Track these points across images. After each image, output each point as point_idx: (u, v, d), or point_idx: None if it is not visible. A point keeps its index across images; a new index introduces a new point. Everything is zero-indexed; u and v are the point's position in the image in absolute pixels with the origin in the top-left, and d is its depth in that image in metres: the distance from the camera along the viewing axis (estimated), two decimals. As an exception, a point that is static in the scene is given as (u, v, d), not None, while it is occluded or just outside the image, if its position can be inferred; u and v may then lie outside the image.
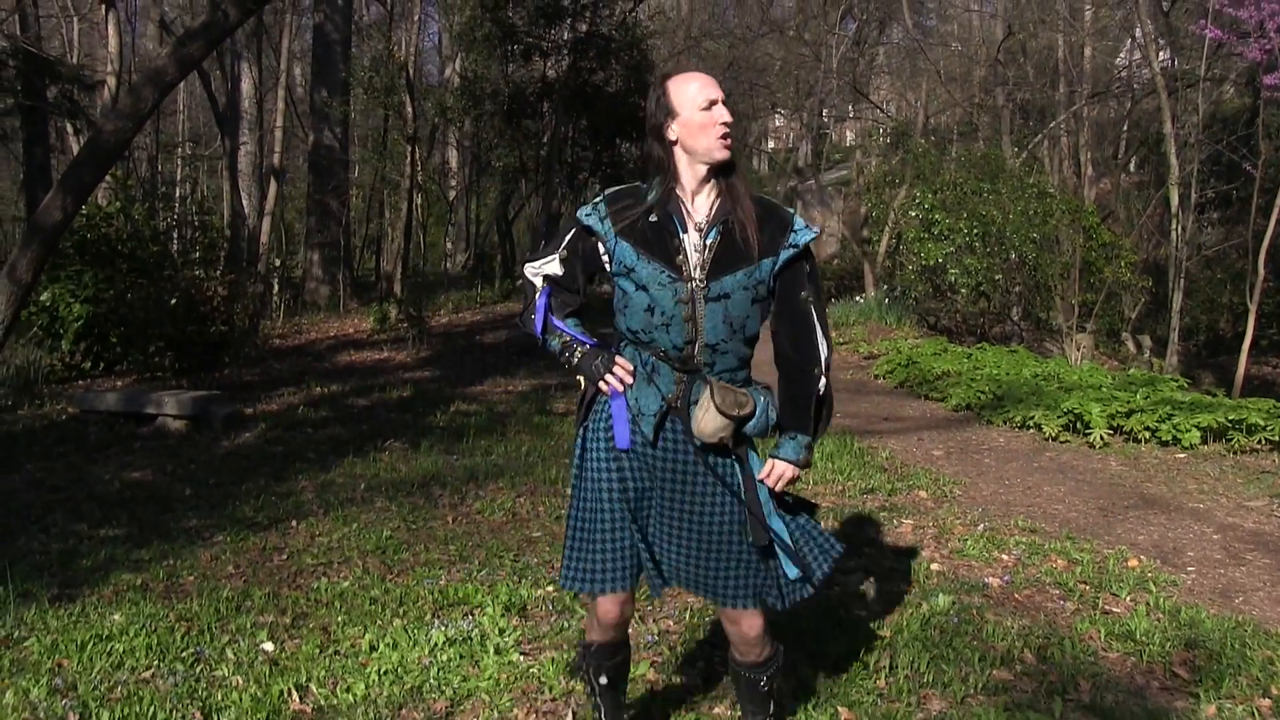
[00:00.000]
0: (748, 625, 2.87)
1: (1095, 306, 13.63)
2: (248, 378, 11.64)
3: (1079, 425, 8.22)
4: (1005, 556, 5.20)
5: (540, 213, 16.83)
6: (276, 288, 17.87)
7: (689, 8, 29.16)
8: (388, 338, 14.47)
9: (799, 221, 2.86)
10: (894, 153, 22.34)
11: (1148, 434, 7.93)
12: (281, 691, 3.64)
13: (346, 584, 4.87)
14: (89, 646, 4.04)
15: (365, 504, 6.42)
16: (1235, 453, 7.57)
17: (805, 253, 2.84)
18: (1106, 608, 4.47)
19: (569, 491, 2.96)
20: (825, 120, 31.46)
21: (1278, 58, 10.77)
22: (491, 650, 3.96)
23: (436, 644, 4.02)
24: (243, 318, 12.38)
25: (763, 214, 2.81)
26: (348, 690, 3.66)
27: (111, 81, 15.57)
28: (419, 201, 20.35)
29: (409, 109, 17.78)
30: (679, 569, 2.84)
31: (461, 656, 3.93)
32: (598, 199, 2.91)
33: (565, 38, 16.51)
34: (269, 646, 4.08)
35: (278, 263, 19.14)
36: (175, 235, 13.65)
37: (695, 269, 2.76)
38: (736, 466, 2.81)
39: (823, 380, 2.85)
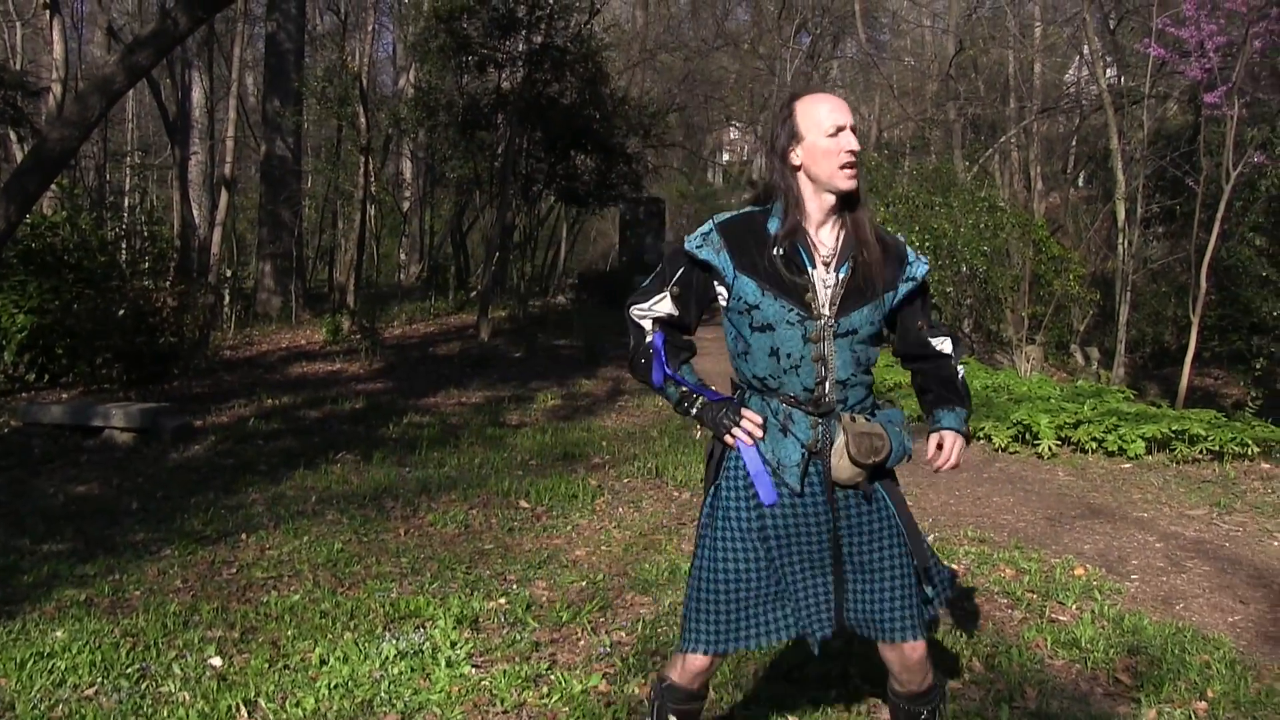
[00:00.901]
0: (910, 649, 2.73)
1: (1044, 319, 13.81)
2: (198, 389, 11.51)
3: (1028, 436, 8.33)
4: (955, 566, 5.25)
5: (494, 224, 16.78)
6: (227, 299, 17.67)
7: (644, 20, 29.29)
8: (340, 349, 14.36)
9: (911, 252, 2.79)
10: (847, 166, 22.50)
11: (1094, 444, 8.05)
12: (230, 707, 3.60)
13: (297, 597, 4.83)
14: (29, 664, 3.97)
15: (316, 516, 6.37)
16: (1178, 463, 7.70)
17: (922, 283, 2.80)
18: (1053, 616, 4.53)
19: (695, 547, 2.81)
20: (779, 133, 31.66)
21: (1217, 77, 11.00)
22: (443, 663, 3.94)
23: (388, 657, 4.00)
24: (193, 329, 12.24)
25: (883, 247, 2.72)
26: (297, 705, 3.63)
27: (57, 89, 15.34)
28: (372, 212, 20.23)
29: (363, 119, 17.69)
30: (846, 609, 2.74)
31: (413, 669, 3.91)
32: (706, 229, 2.74)
33: (520, 49, 16.48)
34: (217, 661, 4.04)
35: (229, 273, 18.93)
36: (124, 245, 13.44)
37: (825, 305, 2.64)
38: (884, 497, 2.74)
39: (955, 362, 2.86)
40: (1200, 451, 7.74)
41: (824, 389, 2.65)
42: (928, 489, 7.06)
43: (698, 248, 2.70)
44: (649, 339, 2.77)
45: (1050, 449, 8.04)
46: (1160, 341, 16.23)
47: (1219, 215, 11.11)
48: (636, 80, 26.27)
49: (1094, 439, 8.06)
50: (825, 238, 2.69)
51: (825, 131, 2.62)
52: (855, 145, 2.62)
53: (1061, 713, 3.57)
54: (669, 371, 2.76)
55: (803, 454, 2.65)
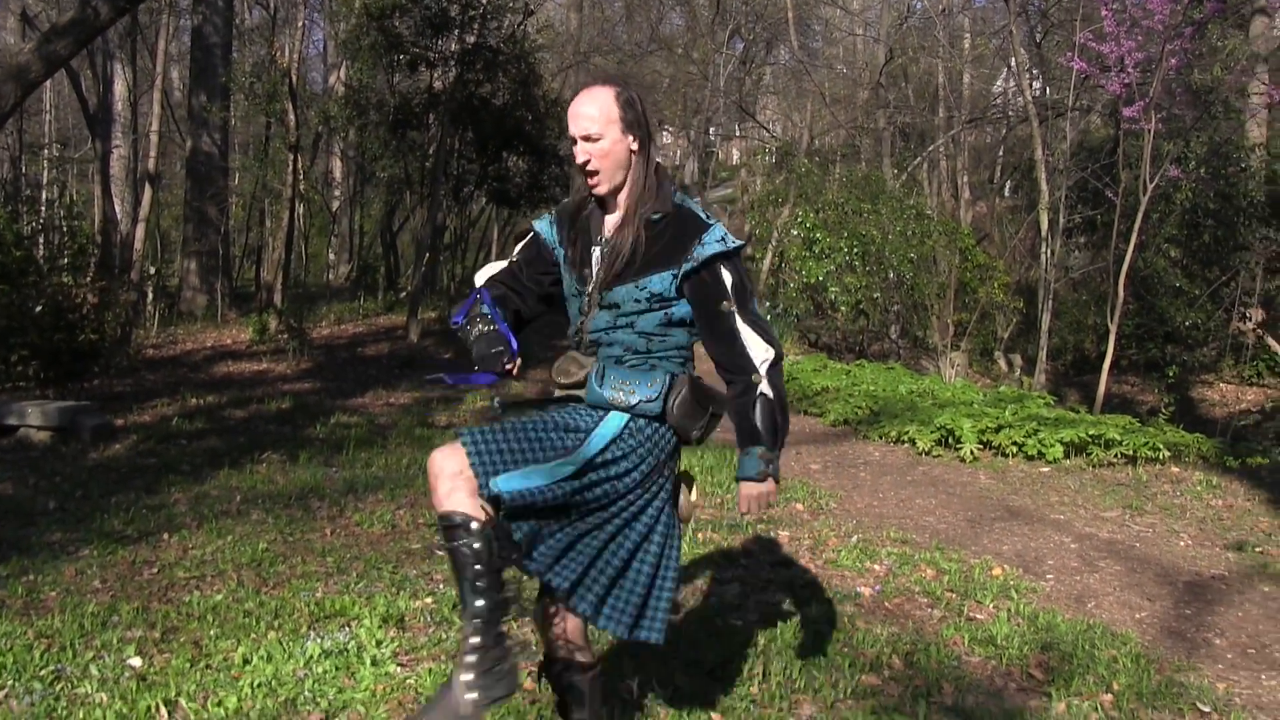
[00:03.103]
0: (572, 625, 2.85)
1: (969, 326, 14.10)
2: (119, 388, 11.29)
3: (951, 440, 8.49)
4: (877, 566, 5.35)
5: (425, 225, 16.67)
6: (151, 296, 17.35)
7: (578, 22, 29.27)
8: (267, 349, 14.17)
9: (713, 234, 2.69)
10: (778, 172, 22.78)
11: (1015, 448, 8.23)
12: (149, 707, 3.55)
13: (220, 597, 4.77)
14: (-60, 665, 3.88)
15: (241, 516, 6.29)
16: (1094, 466, 7.91)
17: (721, 263, 2.68)
18: (971, 614, 4.64)
19: None
20: (712, 138, 31.92)
21: (1135, 91, 11.30)
22: (368, 662, 3.93)
23: (312, 656, 3.97)
24: (114, 326, 11.97)
25: (665, 229, 2.71)
26: (219, 704, 3.58)
27: (-28, 78, 14.96)
28: (301, 211, 20.00)
29: (291, 117, 17.46)
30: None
31: (337, 668, 3.88)
32: (558, 207, 2.99)
33: (452, 49, 16.39)
34: (136, 662, 3.97)
35: (152, 271, 18.57)
36: (41, 240, 13.15)
37: (595, 280, 2.76)
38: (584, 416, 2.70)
39: (764, 384, 2.67)
40: (1115, 456, 7.96)
41: (582, 337, 2.79)
42: (852, 491, 7.17)
43: (539, 222, 2.98)
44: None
45: (972, 453, 8.21)
46: (1081, 349, 16.63)
47: (1136, 227, 11.41)
48: (570, 82, 26.25)
49: (1015, 443, 8.24)
50: (610, 220, 2.80)
51: (572, 143, 2.74)
52: (582, 156, 2.70)
53: (977, 707, 3.66)
54: (474, 301, 2.92)
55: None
